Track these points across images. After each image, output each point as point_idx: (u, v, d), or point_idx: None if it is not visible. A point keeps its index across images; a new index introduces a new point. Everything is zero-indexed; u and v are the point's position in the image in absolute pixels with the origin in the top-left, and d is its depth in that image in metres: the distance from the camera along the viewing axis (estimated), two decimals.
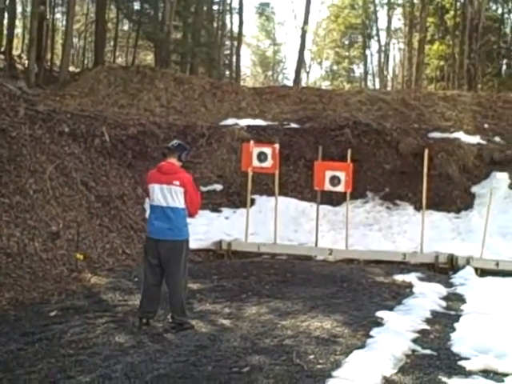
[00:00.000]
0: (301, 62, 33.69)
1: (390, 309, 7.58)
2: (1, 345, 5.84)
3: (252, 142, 12.20)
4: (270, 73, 58.33)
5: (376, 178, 14.46)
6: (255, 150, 11.88)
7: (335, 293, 8.61)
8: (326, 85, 48.89)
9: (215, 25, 33.02)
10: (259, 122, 16.34)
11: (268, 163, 11.83)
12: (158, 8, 26.83)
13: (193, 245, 11.89)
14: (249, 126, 15.85)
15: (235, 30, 34.82)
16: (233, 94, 18.76)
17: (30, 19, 23.81)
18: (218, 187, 14.32)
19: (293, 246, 12.06)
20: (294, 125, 16.15)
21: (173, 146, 6.54)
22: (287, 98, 18.58)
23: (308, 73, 51.03)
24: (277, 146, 11.99)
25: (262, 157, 11.83)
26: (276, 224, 11.78)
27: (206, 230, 12.71)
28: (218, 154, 15.04)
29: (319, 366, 5.35)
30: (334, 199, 13.32)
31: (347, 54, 48.39)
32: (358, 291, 8.76)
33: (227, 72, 34.67)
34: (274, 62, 58.16)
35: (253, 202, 13.51)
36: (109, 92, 18.27)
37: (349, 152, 11.70)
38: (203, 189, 14.17)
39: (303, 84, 40.05)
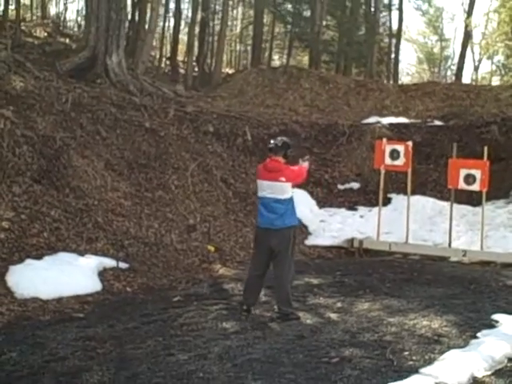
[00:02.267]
0: (463, 57, 32.28)
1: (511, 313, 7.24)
2: (121, 323, 6.51)
3: (385, 140, 12.11)
4: (436, 70, 56.27)
5: None
6: (388, 148, 11.78)
7: (457, 294, 8.32)
8: (495, 80, 46.21)
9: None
10: (402, 119, 16.14)
11: (400, 161, 11.66)
12: (313, 9, 27.22)
13: (325, 241, 12.28)
14: (391, 124, 15.71)
15: (394, 27, 34.16)
16: (377, 91, 18.66)
17: (189, 26, 25.35)
18: (355, 185, 14.36)
19: (425, 245, 11.75)
20: (437, 122, 15.74)
21: (277, 145, 6.75)
22: (433, 94, 18.09)
23: (477, 69, 48.56)
24: (410, 143, 11.78)
25: (394, 154, 11.70)
26: (408, 223, 11.59)
27: (340, 227, 12.85)
28: (357, 153, 15.06)
29: (410, 363, 5.31)
30: (475, 199, 12.77)
31: None
32: (483, 294, 8.38)
33: (384, 70, 34.06)
34: (441, 58, 56.04)
35: (389, 200, 13.41)
36: (256, 92, 19.00)
37: (485, 149, 11.16)
38: (340, 187, 14.35)
39: (470, 81, 38.28)
